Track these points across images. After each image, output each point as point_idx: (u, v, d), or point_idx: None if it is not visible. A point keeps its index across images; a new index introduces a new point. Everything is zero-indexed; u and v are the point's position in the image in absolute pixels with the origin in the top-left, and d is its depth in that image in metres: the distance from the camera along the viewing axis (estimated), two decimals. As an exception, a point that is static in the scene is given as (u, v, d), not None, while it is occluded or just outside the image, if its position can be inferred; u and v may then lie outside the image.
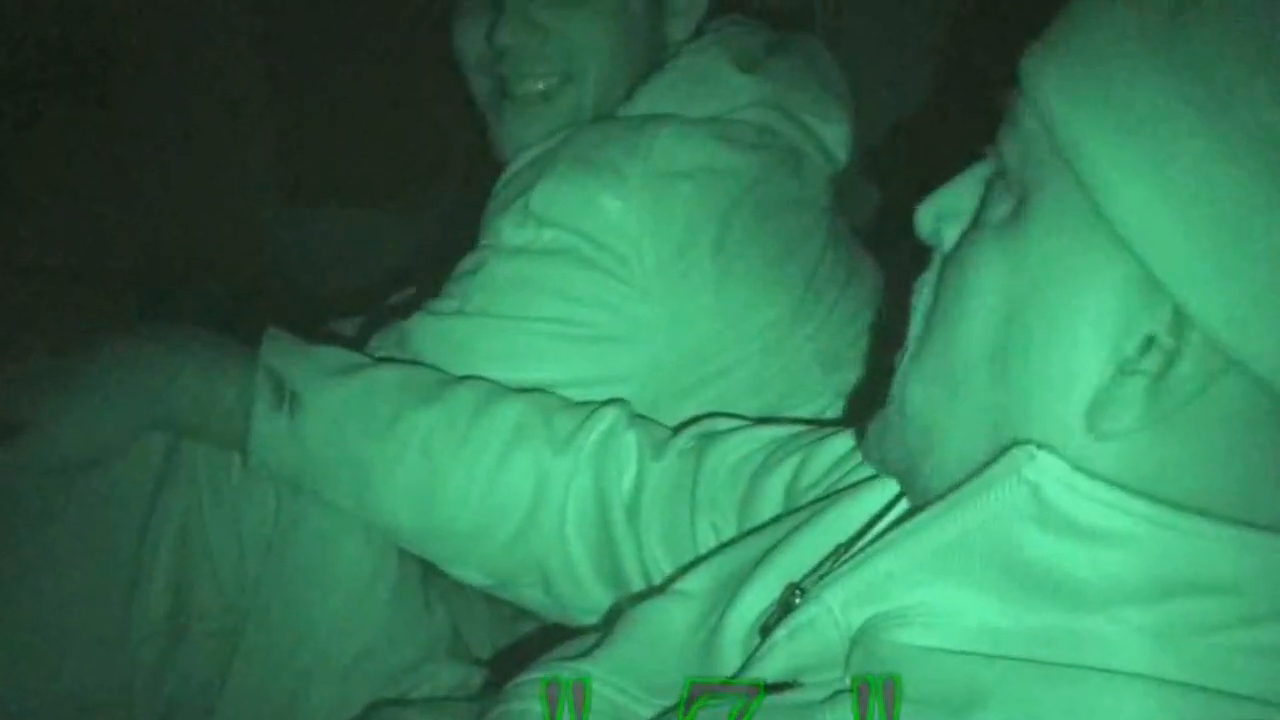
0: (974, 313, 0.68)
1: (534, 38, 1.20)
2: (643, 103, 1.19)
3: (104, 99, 2.38)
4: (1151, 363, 0.62)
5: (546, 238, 1.10)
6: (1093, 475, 0.63)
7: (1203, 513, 0.62)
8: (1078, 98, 0.63)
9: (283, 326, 1.07)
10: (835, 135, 1.25)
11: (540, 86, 1.22)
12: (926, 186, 0.75)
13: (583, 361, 1.11)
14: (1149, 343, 0.62)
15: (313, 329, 1.08)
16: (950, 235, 0.73)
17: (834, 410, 1.21)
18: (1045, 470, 0.63)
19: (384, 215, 2.37)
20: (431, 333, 1.12)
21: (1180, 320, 0.61)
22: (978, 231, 0.70)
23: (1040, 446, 0.64)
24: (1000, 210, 0.68)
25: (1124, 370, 0.63)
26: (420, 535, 1.05)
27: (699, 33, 1.26)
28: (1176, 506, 0.62)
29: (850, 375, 1.22)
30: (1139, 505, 0.62)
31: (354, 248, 2.33)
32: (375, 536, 1.06)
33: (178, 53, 2.41)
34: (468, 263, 1.14)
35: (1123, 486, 0.63)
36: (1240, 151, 0.59)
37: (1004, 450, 0.65)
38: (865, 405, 0.80)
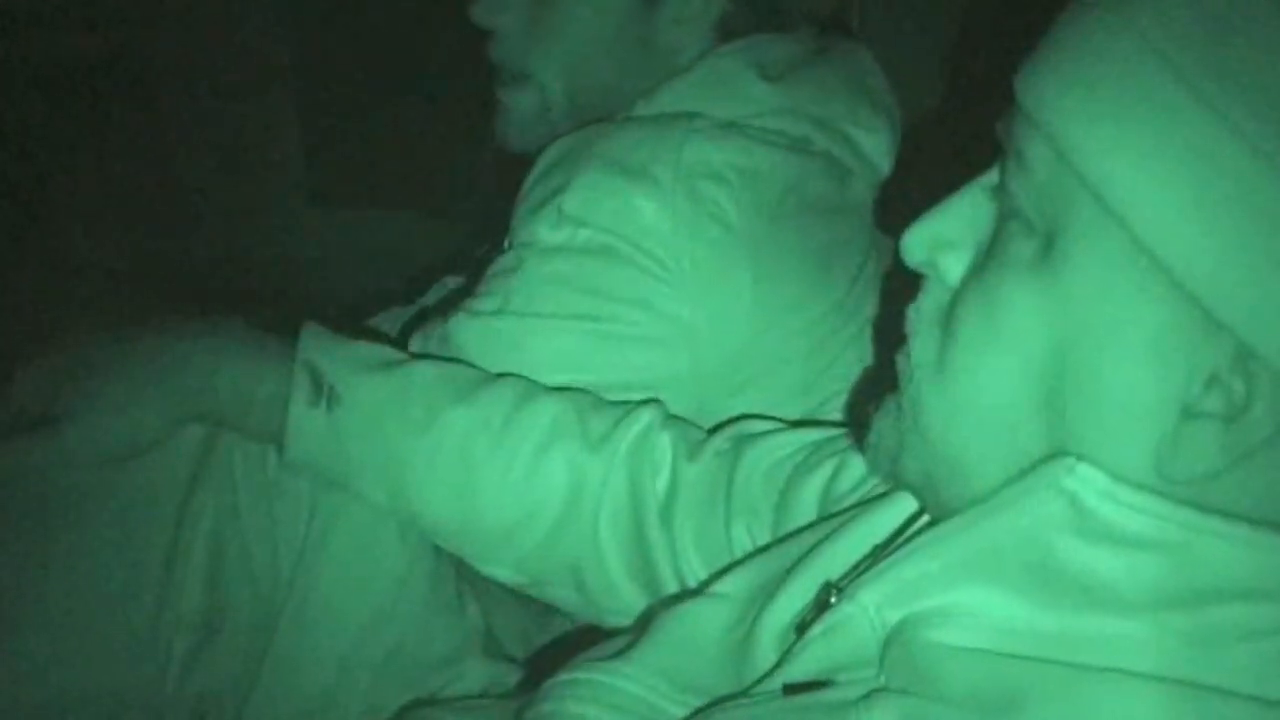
0: (1013, 356, 0.65)
1: (489, 38, 1.22)
2: (662, 100, 1.17)
3: (145, 102, 2.42)
4: (1216, 403, 0.59)
5: (583, 236, 1.09)
6: (1138, 486, 0.62)
7: (1252, 523, 0.61)
8: (1102, 125, 0.60)
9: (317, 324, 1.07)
10: (875, 144, 1.23)
11: (503, 88, 1.25)
12: (931, 185, 0.71)
13: (626, 365, 1.10)
14: (1212, 381, 0.59)
15: (342, 329, 1.08)
16: (951, 266, 0.69)
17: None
18: (1086, 482, 0.62)
19: (414, 217, 2.39)
20: (474, 333, 1.11)
21: (1245, 357, 0.58)
22: (1002, 268, 0.66)
23: (1080, 459, 0.62)
24: (1022, 248, 0.64)
25: (1188, 414, 0.60)
26: (454, 532, 1.05)
27: (728, 38, 1.23)
28: (1225, 515, 0.61)
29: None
30: (1185, 514, 0.61)
31: (384, 249, 2.34)
32: (410, 534, 1.06)
33: (215, 58, 2.45)
34: (505, 262, 1.14)
35: (1168, 496, 0.61)
36: None
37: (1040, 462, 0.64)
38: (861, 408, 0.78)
